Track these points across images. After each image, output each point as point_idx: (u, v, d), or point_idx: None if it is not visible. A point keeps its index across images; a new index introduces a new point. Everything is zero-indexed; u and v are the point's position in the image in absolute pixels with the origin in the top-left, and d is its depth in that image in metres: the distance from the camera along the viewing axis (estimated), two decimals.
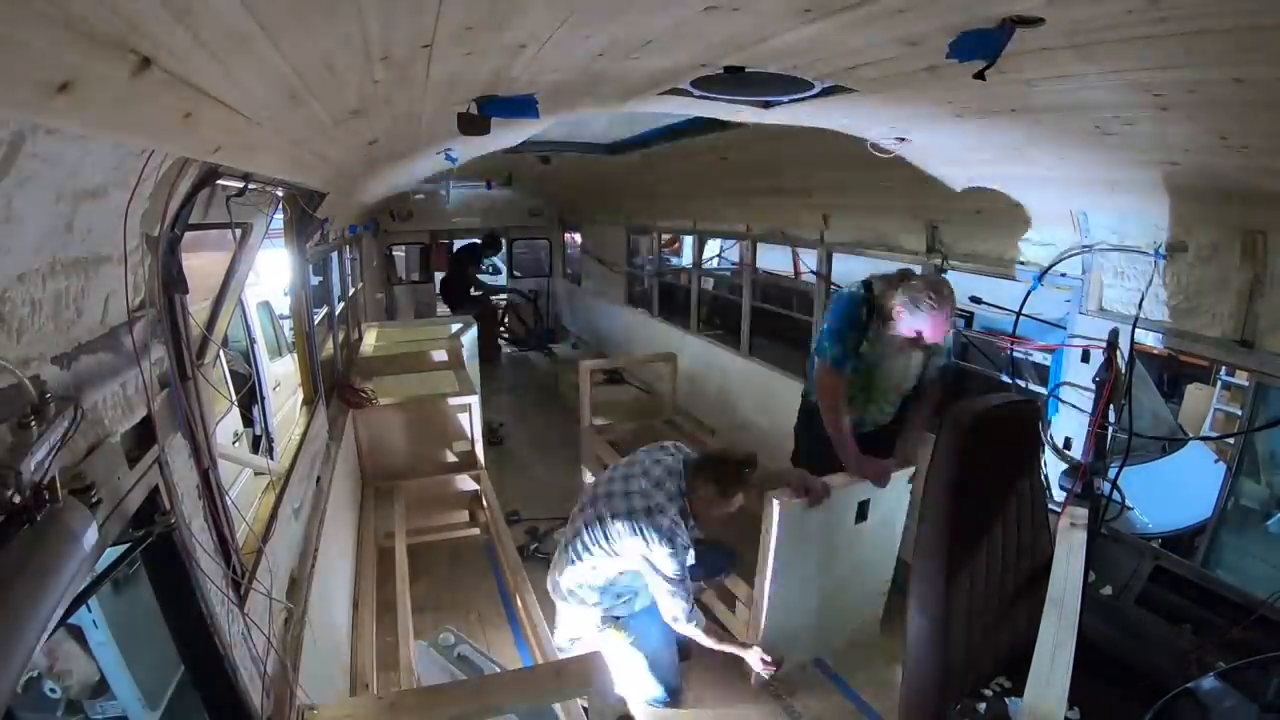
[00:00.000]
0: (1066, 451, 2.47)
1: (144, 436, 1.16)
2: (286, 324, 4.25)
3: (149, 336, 1.23)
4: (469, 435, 4.04)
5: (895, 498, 2.76)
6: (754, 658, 2.55)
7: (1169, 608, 2.06)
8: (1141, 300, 2.18)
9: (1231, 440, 2.89)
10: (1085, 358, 2.41)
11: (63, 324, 0.94)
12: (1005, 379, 2.76)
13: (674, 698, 2.66)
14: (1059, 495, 2.35)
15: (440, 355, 4.81)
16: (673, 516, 2.40)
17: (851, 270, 4.10)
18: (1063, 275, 2.52)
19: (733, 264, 6.13)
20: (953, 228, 2.99)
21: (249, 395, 3.67)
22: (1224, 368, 4.15)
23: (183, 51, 0.84)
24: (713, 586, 2.98)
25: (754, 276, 5.06)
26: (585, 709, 1.96)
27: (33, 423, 0.78)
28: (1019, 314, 2.57)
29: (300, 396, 3.40)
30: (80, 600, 0.90)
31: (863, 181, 3.17)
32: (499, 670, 2.31)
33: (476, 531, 3.94)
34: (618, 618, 2.68)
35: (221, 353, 3.03)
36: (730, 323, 5.96)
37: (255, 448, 3.59)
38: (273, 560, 1.81)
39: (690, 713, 2.66)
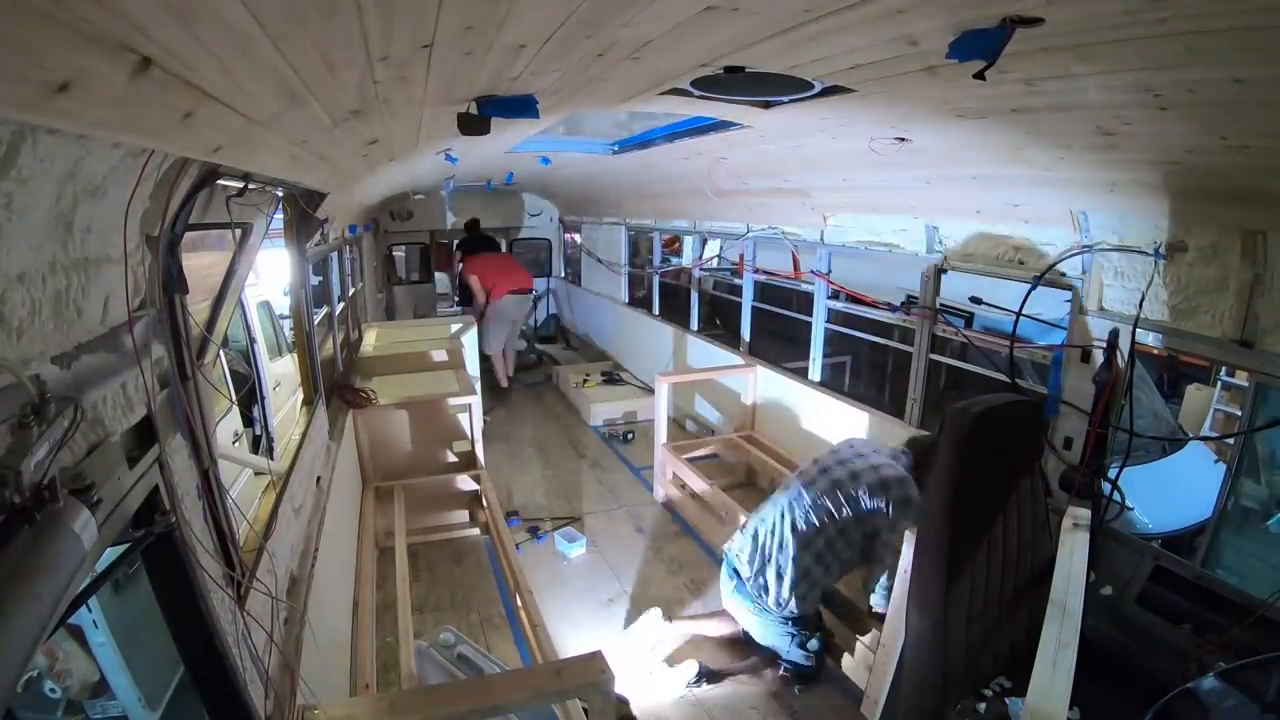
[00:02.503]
0: (1066, 451, 2.47)
1: (144, 436, 1.16)
2: (286, 324, 4.25)
3: (149, 336, 1.23)
4: (469, 435, 4.05)
5: None
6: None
7: (1169, 608, 2.06)
8: (1141, 300, 2.18)
9: (1231, 440, 2.88)
10: (1085, 358, 2.41)
11: (63, 324, 0.93)
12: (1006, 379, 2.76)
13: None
14: (1059, 495, 2.35)
15: (440, 355, 4.82)
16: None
17: (851, 269, 4.12)
18: (1063, 275, 2.52)
19: (731, 263, 6.13)
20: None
21: (249, 395, 3.67)
22: (1224, 368, 4.15)
23: (183, 51, 0.84)
24: None
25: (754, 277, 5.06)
26: (585, 709, 1.96)
27: (33, 423, 0.78)
28: (1019, 314, 2.57)
29: (300, 396, 3.40)
30: (80, 600, 0.90)
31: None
32: (499, 670, 2.31)
33: (476, 531, 3.94)
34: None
35: (221, 353, 3.03)
36: (730, 322, 5.96)
37: (255, 448, 3.58)
38: (273, 560, 1.81)
39: (691, 709, 2.66)
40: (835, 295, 4.05)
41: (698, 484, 3.98)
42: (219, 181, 1.47)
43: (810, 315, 4.19)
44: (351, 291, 5.35)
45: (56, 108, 0.69)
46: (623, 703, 2.53)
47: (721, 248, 6.07)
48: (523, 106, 1.87)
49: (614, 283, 7.41)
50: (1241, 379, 4.00)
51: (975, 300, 3.16)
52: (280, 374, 4.14)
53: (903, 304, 3.65)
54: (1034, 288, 2.56)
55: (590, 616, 3.24)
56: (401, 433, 3.94)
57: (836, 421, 3.89)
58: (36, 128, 0.74)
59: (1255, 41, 1.05)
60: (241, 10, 0.82)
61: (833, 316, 4.18)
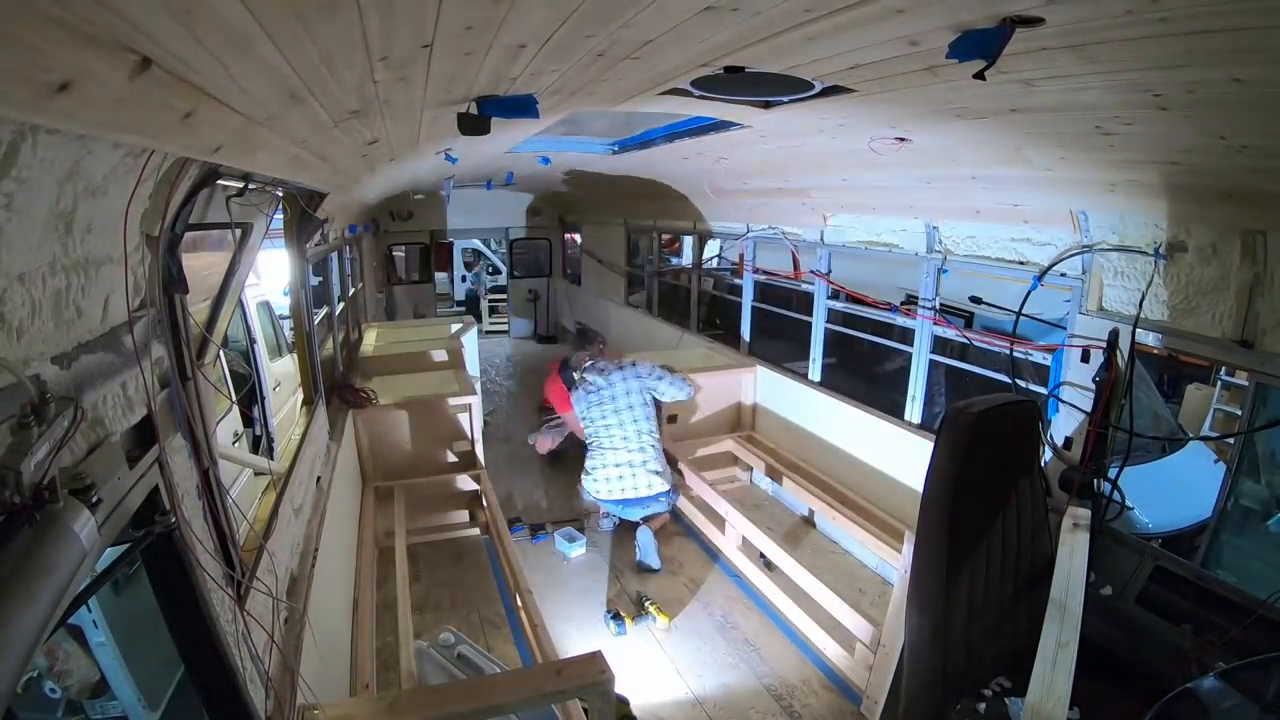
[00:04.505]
0: (1066, 451, 2.47)
1: (144, 436, 1.16)
2: (286, 324, 4.25)
3: (149, 336, 1.23)
4: (469, 435, 4.05)
5: None
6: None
7: (1169, 608, 2.06)
8: (1141, 300, 2.18)
9: (1231, 440, 2.88)
10: (1085, 358, 2.41)
11: (63, 324, 0.93)
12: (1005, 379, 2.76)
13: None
14: (1059, 495, 2.35)
15: (440, 355, 4.82)
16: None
17: (851, 269, 4.12)
18: (1063, 275, 2.52)
19: (731, 263, 6.13)
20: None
21: (249, 395, 3.67)
22: (1224, 368, 4.15)
23: (183, 51, 0.84)
24: None
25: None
26: (585, 709, 1.96)
27: (33, 423, 0.78)
28: (1019, 314, 2.57)
29: (300, 396, 3.40)
30: (80, 600, 0.90)
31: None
32: (499, 670, 2.31)
33: (476, 531, 3.94)
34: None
35: (221, 353, 3.03)
36: (729, 322, 5.96)
37: (255, 448, 3.58)
38: (273, 560, 1.81)
39: (689, 708, 2.66)
40: (835, 295, 4.05)
41: (697, 484, 3.98)
42: (219, 181, 1.47)
43: (809, 315, 4.19)
44: (351, 291, 5.35)
45: (56, 108, 0.69)
46: (623, 703, 2.53)
47: (721, 248, 6.07)
48: (523, 107, 1.87)
49: (614, 283, 7.41)
50: (1241, 379, 4.00)
51: (975, 300, 3.16)
52: (280, 374, 4.15)
53: (902, 304, 3.65)
54: (1034, 287, 2.56)
55: (590, 616, 3.24)
56: (401, 433, 3.94)
57: (837, 421, 3.89)
58: (36, 128, 0.74)
59: (1255, 41, 1.05)
60: (241, 10, 0.82)
61: (833, 316, 4.18)
